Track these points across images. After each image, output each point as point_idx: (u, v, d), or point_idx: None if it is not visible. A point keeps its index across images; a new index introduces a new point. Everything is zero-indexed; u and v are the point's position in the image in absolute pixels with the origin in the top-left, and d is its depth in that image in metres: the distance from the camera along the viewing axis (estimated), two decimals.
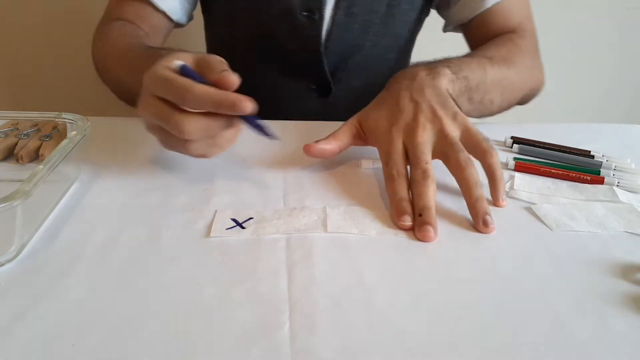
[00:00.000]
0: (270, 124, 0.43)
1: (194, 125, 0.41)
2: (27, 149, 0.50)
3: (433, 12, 0.79)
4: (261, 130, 0.43)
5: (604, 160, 0.54)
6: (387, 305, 0.33)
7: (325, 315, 0.32)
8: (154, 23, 0.69)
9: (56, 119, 0.49)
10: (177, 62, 0.42)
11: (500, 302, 0.34)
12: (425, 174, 0.44)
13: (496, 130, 0.61)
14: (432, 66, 0.52)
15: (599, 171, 0.51)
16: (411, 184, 0.44)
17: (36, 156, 0.50)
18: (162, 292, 0.34)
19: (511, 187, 0.49)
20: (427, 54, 0.82)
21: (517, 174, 0.51)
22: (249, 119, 0.42)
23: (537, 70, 0.68)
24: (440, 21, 0.78)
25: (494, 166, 0.45)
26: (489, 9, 0.69)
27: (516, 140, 0.58)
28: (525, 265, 0.38)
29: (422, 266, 0.37)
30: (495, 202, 0.45)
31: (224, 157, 0.47)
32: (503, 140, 0.59)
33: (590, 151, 0.56)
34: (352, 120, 0.51)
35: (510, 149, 0.58)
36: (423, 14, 0.78)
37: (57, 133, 0.53)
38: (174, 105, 0.41)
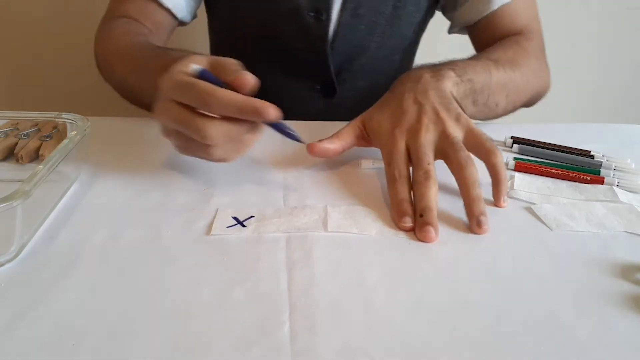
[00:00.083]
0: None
1: (216, 130, 0.40)
2: (27, 149, 0.50)
3: (437, 13, 0.79)
4: (286, 133, 0.43)
5: (604, 160, 0.54)
6: (387, 305, 0.33)
7: (325, 315, 0.32)
8: (158, 20, 0.68)
9: (56, 119, 0.49)
10: (196, 67, 0.42)
11: (500, 302, 0.34)
12: (427, 175, 0.44)
13: (496, 130, 0.61)
14: (437, 68, 0.52)
15: (599, 171, 0.51)
16: (413, 184, 0.44)
17: (36, 156, 0.50)
18: (162, 292, 0.34)
19: (511, 187, 0.49)
20: (429, 54, 0.82)
21: (517, 174, 0.51)
22: (274, 123, 0.42)
23: (543, 73, 0.68)
24: (443, 22, 0.78)
25: (497, 166, 0.45)
26: (495, 11, 0.69)
27: (516, 140, 0.58)
28: (525, 265, 0.38)
29: (422, 266, 0.37)
30: (496, 202, 0.45)
31: None
32: (503, 140, 0.59)
33: (590, 151, 0.56)
34: (356, 121, 0.51)
35: (510, 149, 0.58)
36: (428, 16, 0.78)
37: (57, 133, 0.53)
38: (194, 110, 0.41)
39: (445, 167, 0.46)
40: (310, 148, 0.48)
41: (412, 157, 0.46)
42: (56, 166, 0.40)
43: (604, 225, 0.43)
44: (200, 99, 0.40)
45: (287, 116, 0.61)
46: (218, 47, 0.83)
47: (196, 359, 0.29)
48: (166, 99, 0.42)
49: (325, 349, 0.30)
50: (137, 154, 0.53)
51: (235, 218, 0.42)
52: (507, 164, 0.53)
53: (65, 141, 0.43)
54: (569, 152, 0.55)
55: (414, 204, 0.43)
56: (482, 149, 0.46)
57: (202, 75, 0.41)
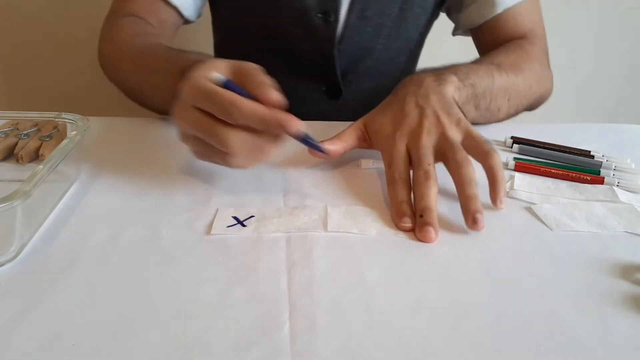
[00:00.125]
0: None
1: (238, 140, 0.40)
2: (27, 149, 0.50)
3: (440, 15, 0.79)
4: (310, 144, 0.43)
5: (604, 160, 0.54)
6: (387, 305, 0.33)
7: (325, 315, 0.32)
8: (165, 19, 0.68)
9: (56, 119, 0.49)
10: (220, 77, 0.41)
11: (500, 302, 0.34)
12: (427, 175, 0.44)
13: (496, 130, 0.61)
14: (439, 73, 0.53)
15: (599, 171, 0.51)
16: (413, 185, 0.44)
17: (36, 156, 0.50)
18: (162, 292, 0.34)
19: (511, 187, 0.49)
20: (432, 55, 0.83)
21: (517, 174, 0.51)
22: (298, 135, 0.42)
23: (545, 77, 0.68)
24: (447, 23, 0.78)
25: (494, 167, 0.45)
26: (499, 15, 0.69)
27: (516, 140, 0.58)
28: (525, 265, 0.38)
29: (422, 266, 0.37)
30: (493, 203, 0.45)
31: None
32: (503, 140, 0.59)
33: (590, 151, 0.56)
34: (358, 123, 0.51)
35: (510, 149, 0.58)
36: (433, 17, 0.78)
37: (57, 133, 0.53)
38: (216, 117, 0.40)
39: (444, 169, 0.46)
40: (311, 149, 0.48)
41: (413, 159, 0.46)
42: (56, 166, 0.40)
43: (604, 225, 0.43)
44: (222, 108, 0.39)
45: None
46: (222, 46, 0.83)
47: (196, 359, 0.29)
48: (186, 105, 0.41)
49: (325, 349, 0.30)
50: (137, 154, 0.53)
51: (235, 218, 0.42)
52: (507, 164, 0.53)
53: (65, 141, 0.43)
54: (569, 152, 0.55)
55: (413, 205, 0.43)
56: (480, 151, 0.46)
57: (225, 85, 0.41)
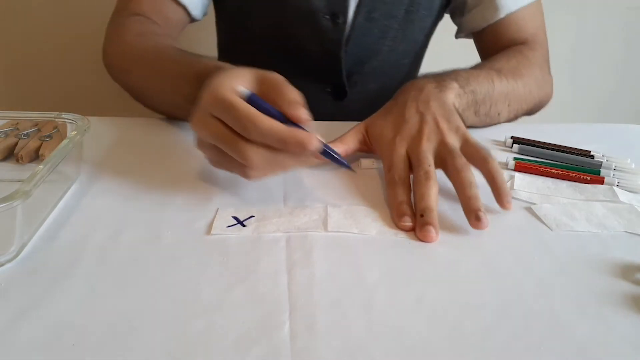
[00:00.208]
0: None
1: (258, 155, 0.39)
2: (27, 149, 0.50)
3: (444, 16, 0.79)
4: (334, 160, 0.43)
5: (604, 160, 0.54)
6: (387, 305, 0.33)
7: (325, 315, 0.32)
8: (172, 18, 0.67)
9: (56, 119, 0.49)
10: (244, 90, 0.40)
11: (500, 302, 0.34)
12: (427, 176, 0.44)
13: (496, 130, 0.61)
14: (440, 79, 0.53)
15: (599, 171, 0.51)
16: (414, 185, 0.44)
17: (36, 156, 0.50)
18: (162, 292, 0.34)
19: (511, 187, 0.49)
20: (434, 56, 0.83)
21: (517, 174, 0.51)
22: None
23: (545, 83, 0.68)
24: (449, 25, 0.78)
25: (493, 171, 0.45)
26: (502, 19, 0.69)
27: (516, 140, 0.58)
28: (525, 265, 0.38)
29: (422, 266, 0.37)
30: (500, 204, 0.44)
31: None
32: (503, 140, 0.59)
33: (590, 151, 0.56)
34: (360, 127, 0.51)
35: (510, 149, 0.58)
36: (438, 19, 0.79)
37: (57, 133, 0.53)
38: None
39: (445, 176, 0.46)
40: None
41: (413, 161, 0.46)
42: (56, 166, 0.40)
43: (604, 225, 0.43)
44: (241, 124, 0.38)
45: None
46: (226, 46, 0.83)
47: (196, 359, 0.29)
48: (206, 113, 0.40)
49: (325, 349, 0.30)
50: (137, 154, 0.53)
51: (235, 218, 0.42)
52: (507, 164, 0.53)
53: (65, 141, 0.43)
54: (569, 152, 0.55)
55: (414, 206, 0.43)
56: (478, 158, 0.46)
57: (249, 99, 0.40)
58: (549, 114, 0.71)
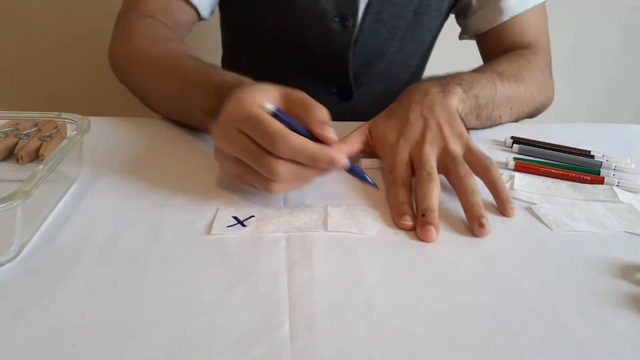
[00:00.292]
0: None
1: (286, 171, 0.39)
2: (27, 149, 0.50)
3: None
4: (360, 177, 0.43)
5: (604, 160, 0.54)
6: (387, 305, 0.33)
7: (325, 315, 0.32)
8: (180, 18, 0.66)
9: (56, 119, 0.49)
10: (270, 106, 0.40)
11: (500, 303, 0.34)
12: (430, 176, 0.44)
13: (496, 130, 0.61)
14: (445, 82, 0.53)
15: (599, 171, 0.51)
16: (416, 185, 0.44)
17: (36, 156, 0.50)
18: (162, 292, 0.34)
19: (511, 187, 0.49)
20: (437, 56, 0.83)
21: (517, 174, 0.51)
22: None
23: (547, 87, 0.68)
24: (452, 26, 0.78)
25: (495, 180, 0.45)
26: (506, 22, 0.69)
27: (516, 140, 0.58)
28: (525, 265, 0.38)
29: (422, 266, 0.37)
30: (503, 212, 0.44)
31: None
32: (503, 140, 0.59)
33: (590, 151, 0.56)
34: (363, 128, 0.51)
35: (510, 149, 0.58)
36: (445, 19, 0.79)
37: (57, 133, 0.53)
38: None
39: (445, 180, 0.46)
40: None
41: (415, 164, 0.46)
42: (56, 166, 0.40)
43: (604, 225, 0.43)
44: (270, 140, 0.38)
45: None
46: (232, 44, 0.82)
47: (196, 359, 0.29)
48: (231, 127, 0.40)
49: (325, 349, 0.30)
50: (137, 154, 0.53)
51: (235, 218, 0.42)
52: (507, 164, 0.53)
53: (65, 141, 0.43)
54: (569, 152, 0.55)
55: (415, 205, 0.43)
56: (480, 166, 0.46)
57: (275, 115, 0.39)
58: (549, 114, 0.72)
